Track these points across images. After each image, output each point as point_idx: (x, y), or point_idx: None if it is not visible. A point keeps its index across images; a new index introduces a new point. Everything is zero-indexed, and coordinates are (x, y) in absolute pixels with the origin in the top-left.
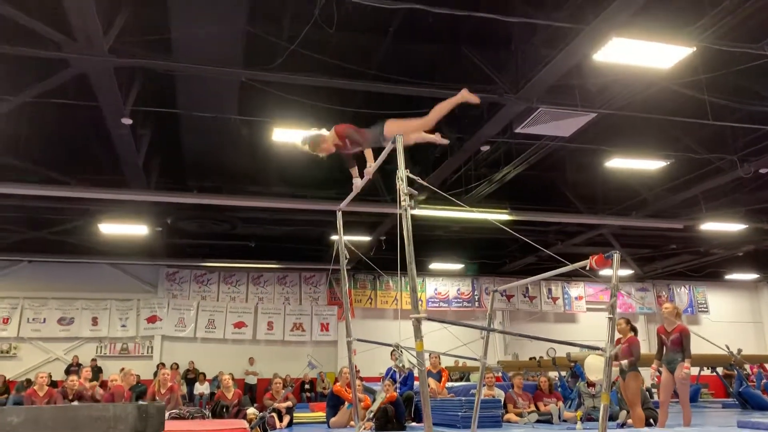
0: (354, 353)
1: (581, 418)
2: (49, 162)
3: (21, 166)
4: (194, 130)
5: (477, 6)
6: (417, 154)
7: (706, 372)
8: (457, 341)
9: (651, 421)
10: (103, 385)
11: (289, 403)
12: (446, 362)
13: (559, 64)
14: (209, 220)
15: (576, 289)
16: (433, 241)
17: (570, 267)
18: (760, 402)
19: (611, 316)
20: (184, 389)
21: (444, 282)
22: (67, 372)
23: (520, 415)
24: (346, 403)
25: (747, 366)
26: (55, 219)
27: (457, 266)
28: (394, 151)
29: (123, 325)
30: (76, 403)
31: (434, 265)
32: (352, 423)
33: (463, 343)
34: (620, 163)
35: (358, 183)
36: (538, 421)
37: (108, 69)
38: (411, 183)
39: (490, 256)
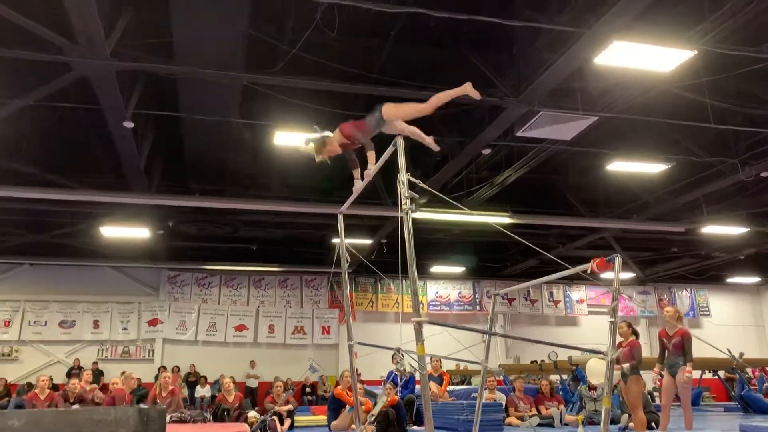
0: (355, 356)
1: (583, 422)
2: (51, 165)
3: (23, 169)
4: (196, 133)
5: (478, 10)
6: (418, 157)
7: (708, 375)
8: (459, 344)
9: (653, 424)
10: (104, 388)
11: (290, 407)
12: (447, 365)
13: (561, 68)
14: (210, 223)
15: (577, 293)
16: (434, 244)
17: (571, 270)
18: (762, 405)
19: (613, 319)
20: (185, 392)
21: (445, 285)
22: (69, 375)
23: (521, 418)
24: (347, 406)
25: (749, 369)
26: (56, 222)
27: (459, 269)
28: (395, 154)
29: (124, 328)
30: (77, 406)
31: (435, 268)
32: (353, 426)
33: (465, 347)
34: (621, 167)
35: (358, 185)
36: (539, 425)
37: (110, 72)
38: (412, 186)
39: (492, 259)
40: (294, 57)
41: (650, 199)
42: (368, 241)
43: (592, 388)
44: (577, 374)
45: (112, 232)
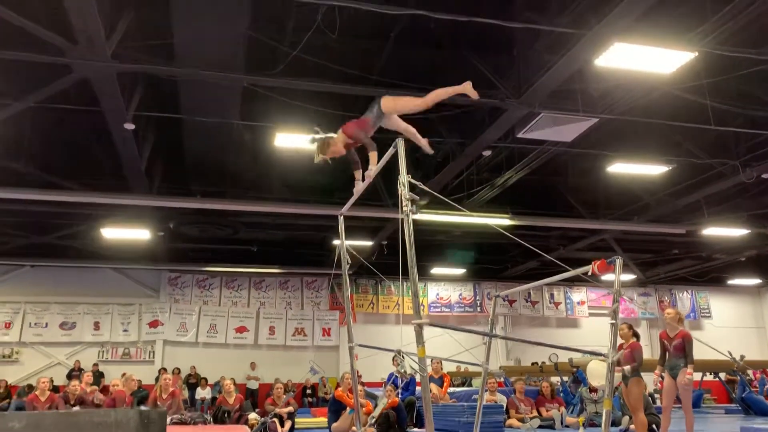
0: (356, 358)
1: (583, 424)
2: (52, 167)
3: (23, 170)
4: (197, 135)
5: (479, 11)
6: (419, 159)
7: (709, 377)
8: (459, 346)
9: (654, 426)
10: (105, 390)
11: (290, 409)
12: (448, 367)
13: (561, 69)
14: (211, 225)
15: (578, 294)
16: (435, 245)
17: (572, 273)
18: (763, 408)
19: (614, 321)
20: (186, 394)
21: (446, 287)
22: (69, 377)
23: (522, 420)
24: (347, 408)
25: (750, 371)
26: (57, 224)
27: (459, 271)
28: (395, 155)
29: (125, 330)
30: (77, 408)
31: (436, 270)
32: (354, 428)
33: (465, 349)
34: (622, 168)
35: (359, 187)
36: (540, 427)
37: (111, 74)
38: (413, 188)
39: (492, 261)
40: (294, 58)
41: (651, 200)
42: (369, 243)
43: (592, 390)
44: (578, 376)
45: (112, 233)
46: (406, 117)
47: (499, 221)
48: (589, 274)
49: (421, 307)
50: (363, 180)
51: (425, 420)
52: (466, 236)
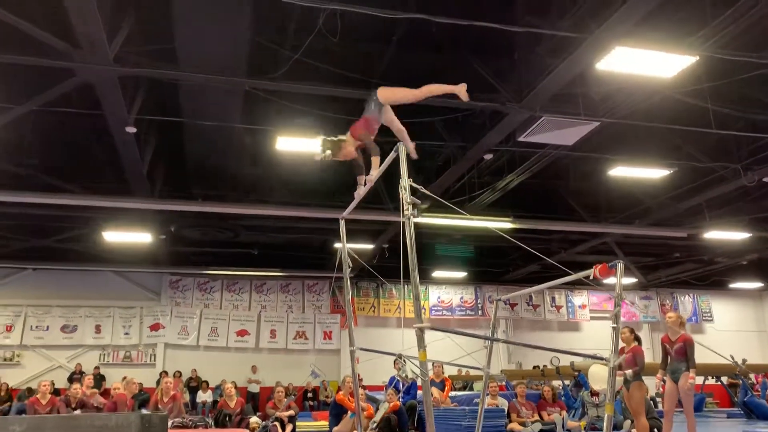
0: (357, 362)
1: (585, 428)
2: (54, 170)
3: (25, 173)
4: (198, 138)
5: (480, 15)
6: (420, 162)
7: (711, 381)
8: (461, 350)
9: (655, 430)
10: (106, 393)
11: (291, 412)
12: (449, 371)
13: (562, 73)
14: (212, 228)
15: (580, 298)
16: (436, 248)
17: (574, 276)
18: (765, 412)
19: (615, 325)
20: (187, 397)
21: (447, 290)
22: (70, 380)
23: (523, 424)
24: (349, 412)
25: (752, 375)
26: (59, 227)
27: (461, 274)
28: (397, 159)
29: (126, 333)
30: (78, 411)
31: (437, 273)
32: None
33: (467, 353)
34: (623, 172)
35: (360, 191)
36: (541, 431)
37: (112, 78)
38: (414, 191)
39: (494, 264)
40: (296, 62)
41: (652, 204)
42: (370, 246)
43: (594, 393)
44: (580, 380)
45: (114, 236)
46: (401, 117)
47: (501, 224)
48: (591, 277)
49: (423, 311)
50: (365, 185)
51: (426, 424)
52: (467, 239)
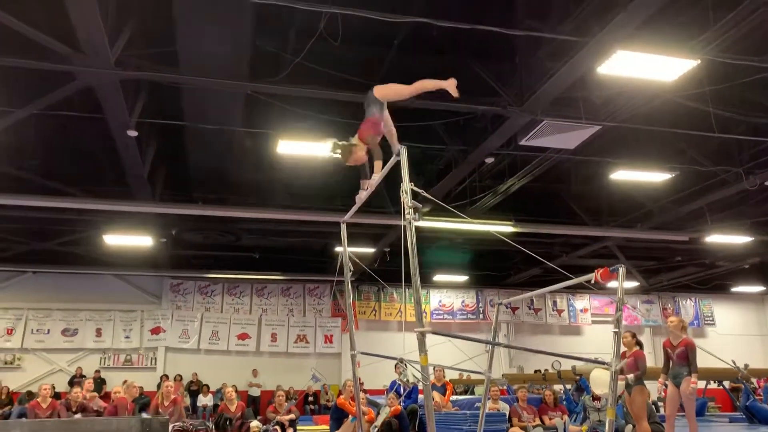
0: (358, 366)
1: None
2: (54, 173)
3: (26, 177)
4: (199, 142)
5: (481, 19)
6: (422, 166)
7: (713, 385)
8: (462, 354)
9: None
10: (106, 397)
11: (292, 416)
12: (451, 375)
13: (564, 77)
14: (213, 232)
15: (581, 302)
16: (438, 252)
17: (575, 280)
18: None
19: (617, 329)
20: (188, 401)
21: (448, 294)
22: (71, 384)
23: (524, 428)
24: (349, 416)
25: (754, 380)
26: (59, 230)
27: (462, 278)
28: (399, 163)
29: (127, 337)
30: (79, 415)
31: (438, 277)
32: None
33: (468, 357)
34: (625, 175)
35: (362, 195)
36: None
37: (114, 81)
38: (415, 195)
39: (495, 268)
40: (297, 66)
41: (654, 208)
42: (371, 250)
43: (596, 398)
44: (581, 384)
45: (115, 240)
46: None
47: (502, 228)
48: (592, 281)
49: (424, 315)
50: (366, 189)
51: (428, 428)
52: (468, 243)
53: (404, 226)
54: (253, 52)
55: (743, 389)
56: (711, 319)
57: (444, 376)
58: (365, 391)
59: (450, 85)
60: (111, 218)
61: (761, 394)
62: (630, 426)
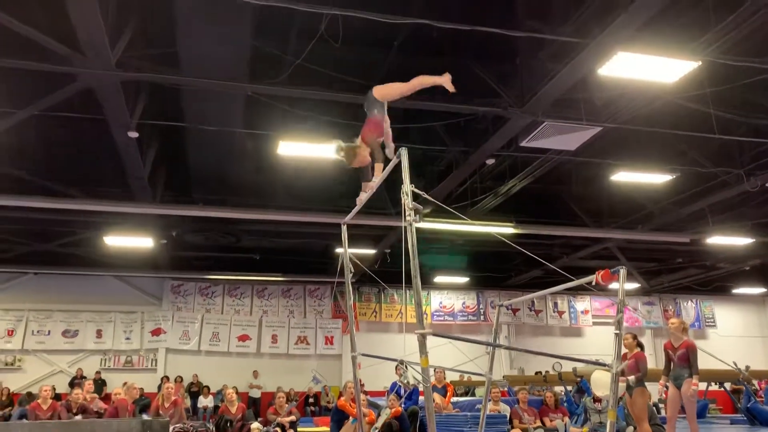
0: (358, 367)
1: None
2: (55, 174)
3: (26, 178)
4: (200, 143)
5: (482, 20)
6: (422, 167)
7: (714, 387)
8: (463, 355)
9: None
10: (107, 398)
11: (293, 418)
12: (451, 376)
13: (565, 78)
14: (214, 233)
15: (582, 303)
16: (438, 254)
17: (576, 282)
18: None
19: (618, 331)
20: (188, 403)
21: (449, 295)
22: (71, 385)
23: (525, 430)
24: (350, 417)
25: (755, 381)
26: (60, 231)
27: (463, 279)
28: (399, 164)
29: (127, 338)
30: (79, 417)
31: (439, 278)
32: None
33: (469, 359)
34: (626, 177)
35: (362, 197)
36: None
37: (115, 83)
38: (416, 197)
39: (496, 269)
40: (297, 67)
41: (655, 209)
42: (372, 251)
43: (596, 399)
44: (582, 386)
45: (115, 241)
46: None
47: (503, 230)
48: (593, 283)
49: (424, 316)
50: (367, 191)
51: (428, 430)
52: (469, 244)
53: (405, 228)
54: (253, 54)
55: (744, 391)
56: (712, 320)
57: (445, 378)
58: (366, 393)
59: (446, 80)
60: (112, 219)
61: (762, 395)
62: (631, 428)
